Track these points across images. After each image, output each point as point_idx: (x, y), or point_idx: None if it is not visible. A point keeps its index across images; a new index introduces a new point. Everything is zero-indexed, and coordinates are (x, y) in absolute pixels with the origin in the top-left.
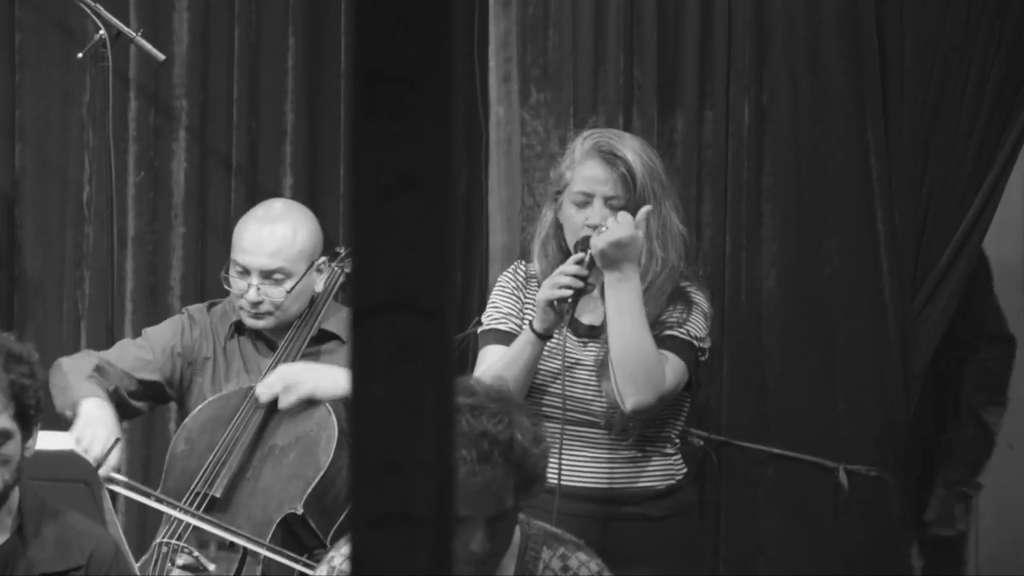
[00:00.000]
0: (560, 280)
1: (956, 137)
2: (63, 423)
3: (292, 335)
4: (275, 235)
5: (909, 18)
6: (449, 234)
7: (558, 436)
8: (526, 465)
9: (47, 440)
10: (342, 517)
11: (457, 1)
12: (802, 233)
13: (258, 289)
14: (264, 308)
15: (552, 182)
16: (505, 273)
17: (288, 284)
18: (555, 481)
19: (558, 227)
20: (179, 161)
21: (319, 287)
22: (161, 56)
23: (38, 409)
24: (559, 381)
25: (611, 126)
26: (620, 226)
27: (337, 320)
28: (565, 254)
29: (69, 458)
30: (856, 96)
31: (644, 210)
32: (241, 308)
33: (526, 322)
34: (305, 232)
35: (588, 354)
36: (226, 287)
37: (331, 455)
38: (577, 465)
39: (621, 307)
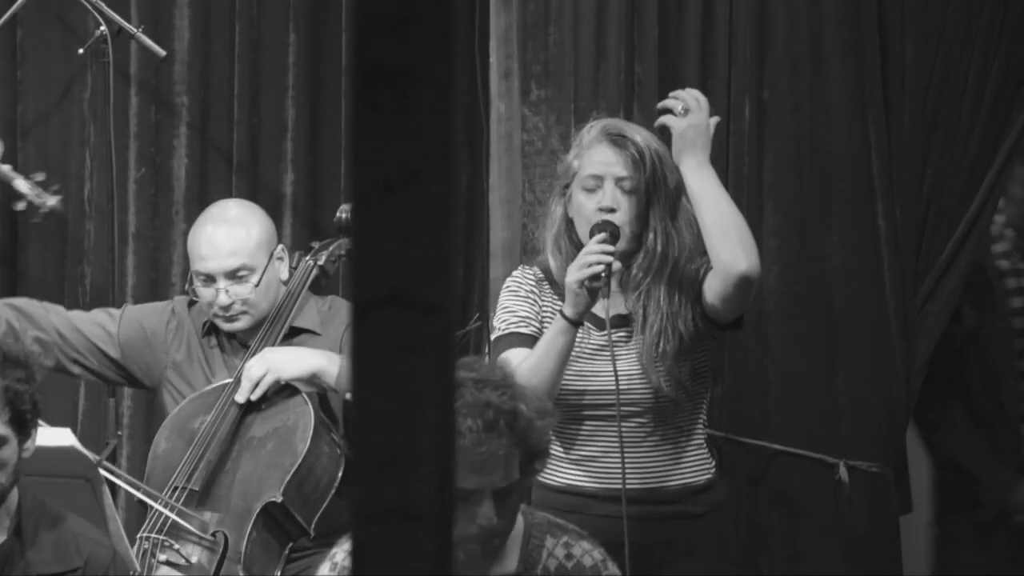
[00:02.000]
0: (589, 259)
1: (957, 132)
2: (65, 420)
3: (265, 331)
4: (229, 235)
5: (910, 13)
6: (451, 229)
7: (613, 434)
8: (530, 436)
9: (48, 436)
10: (324, 505)
11: None
12: (803, 229)
13: (227, 292)
14: (236, 309)
15: (559, 176)
16: (512, 278)
17: (254, 279)
18: (610, 485)
19: (568, 222)
20: (180, 157)
21: (284, 275)
22: (162, 52)
23: (35, 412)
24: (599, 377)
25: None
26: (703, 112)
27: (308, 313)
28: (578, 249)
29: (70, 454)
30: (857, 92)
31: (713, 120)
32: (215, 316)
33: (545, 326)
34: (256, 224)
35: (623, 344)
36: (194, 299)
37: (308, 443)
38: (615, 465)
39: (708, 185)
